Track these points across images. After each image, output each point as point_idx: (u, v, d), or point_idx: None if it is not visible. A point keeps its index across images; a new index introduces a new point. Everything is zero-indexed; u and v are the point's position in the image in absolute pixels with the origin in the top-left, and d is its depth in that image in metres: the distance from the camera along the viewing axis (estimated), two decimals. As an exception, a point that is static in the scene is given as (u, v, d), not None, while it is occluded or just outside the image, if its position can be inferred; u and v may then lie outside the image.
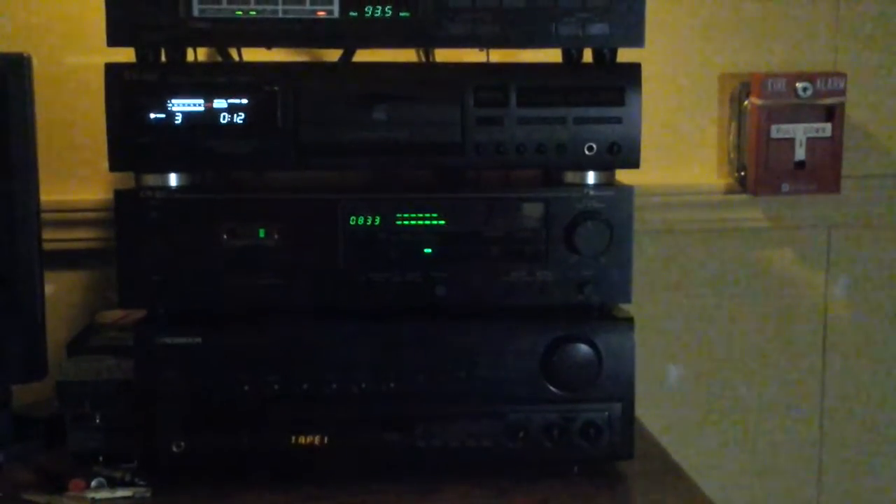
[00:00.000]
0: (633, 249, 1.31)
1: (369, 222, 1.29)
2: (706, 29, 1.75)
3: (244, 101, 1.26)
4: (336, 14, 1.25)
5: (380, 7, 1.25)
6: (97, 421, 1.36)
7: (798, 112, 1.70)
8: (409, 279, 1.30)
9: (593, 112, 1.29)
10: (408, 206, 1.29)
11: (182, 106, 1.26)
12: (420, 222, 1.30)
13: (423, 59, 1.49)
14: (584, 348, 1.30)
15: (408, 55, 1.47)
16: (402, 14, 1.25)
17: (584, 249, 1.30)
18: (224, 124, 1.26)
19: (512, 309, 1.32)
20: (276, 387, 1.28)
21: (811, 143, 1.71)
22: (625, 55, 1.31)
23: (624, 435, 1.32)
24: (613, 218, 1.30)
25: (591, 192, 1.30)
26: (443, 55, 1.45)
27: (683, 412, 1.84)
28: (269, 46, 1.31)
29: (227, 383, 1.28)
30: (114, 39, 1.25)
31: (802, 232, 1.82)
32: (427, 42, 1.34)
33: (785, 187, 1.72)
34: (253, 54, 1.37)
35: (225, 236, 1.28)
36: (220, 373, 1.28)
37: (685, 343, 1.83)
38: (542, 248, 1.30)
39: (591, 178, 1.32)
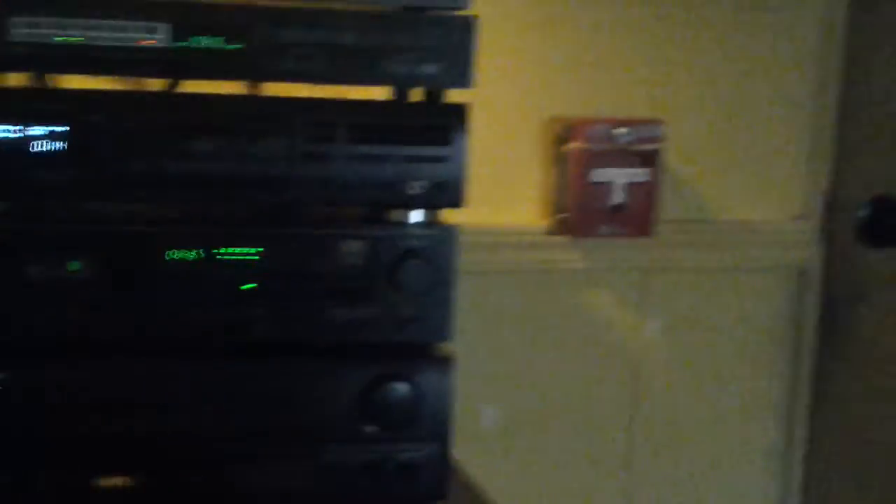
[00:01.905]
0: (455, 289, 1.32)
1: (188, 256, 1.26)
2: (534, 73, 1.78)
3: (63, 129, 1.22)
4: (163, 43, 1.22)
5: (209, 37, 1.23)
6: None
7: (617, 157, 1.75)
8: (227, 316, 1.27)
9: (420, 151, 1.29)
10: (229, 240, 1.27)
11: (9, 136, 1.20)
12: (241, 257, 1.27)
13: (253, 91, 1.47)
14: (402, 387, 1.30)
15: (236, 87, 1.45)
16: (232, 46, 1.23)
17: (407, 288, 1.30)
18: (41, 152, 1.21)
19: (333, 347, 1.31)
20: (81, 427, 1.24)
21: (629, 187, 1.76)
22: (454, 95, 1.32)
23: (440, 475, 1.32)
24: (437, 257, 1.30)
25: (416, 231, 1.31)
26: (272, 88, 1.43)
27: (498, 453, 1.86)
28: (90, 74, 1.27)
29: (33, 421, 1.23)
30: None
31: (618, 274, 1.86)
32: (257, 75, 1.32)
33: (602, 230, 1.76)
34: (75, 81, 1.32)
35: (33, 268, 1.22)
36: (27, 410, 1.23)
37: (502, 383, 1.85)
38: (364, 286, 1.30)
39: (415, 216, 1.33)
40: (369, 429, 1.30)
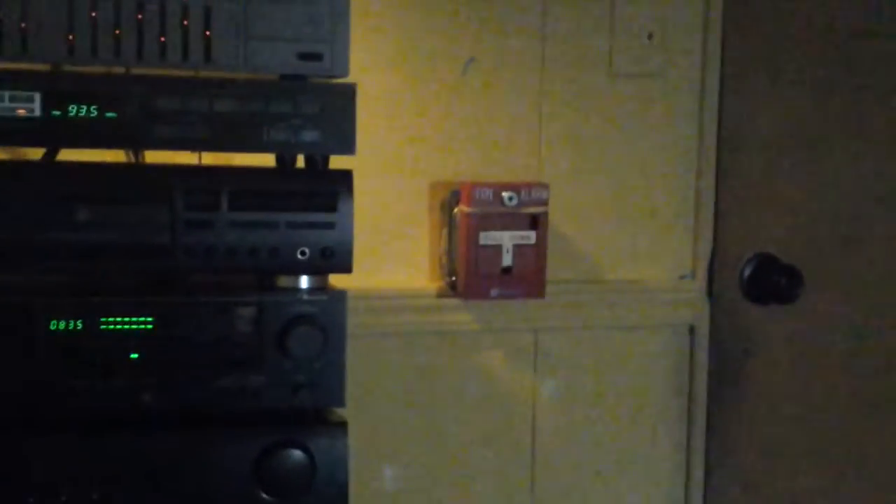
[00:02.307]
0: (346, 353, 1.32)
1: (71, 326, 1.24)
2: (416, 138, 1.80)
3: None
4: (37, 112, 1.21)
5: (84, 106, 1.22)
6: None
7: (505, 220, 1.77)
8: (114, 386, 1.25)
9: (306, 217, 1.29)
10: (113, 309, 1.25)
11: None
12: (126, 326, 1.25)
13: (132, 159, 1.46)
14: (297, 454, 1.28)
15: (116, 155, 1.43)
16: (107, 114, 1.23)
17: (298, 354, 1.29)
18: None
19: (224, 415, 1.29)
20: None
21: (518, 249, 1.78)
22: (337, 161, 1.32)
23: (339, 542, 1.31)
24: (327, 322, 1.30)
25: (305, 297, 1.30)
26: (153, 156, 1.42)
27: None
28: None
29: None
30: None
31: (511, 335, 1.87)
32: (134, 144, 1.31)
33: (494, 292, 1.77)
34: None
35: None
36: None
37: (401, 445, 1.84)
38: (255, 353, 1.29)
39: (304, 282, 1.32)
40: (265, 498, 1.28)
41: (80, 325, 1.24)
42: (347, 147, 1.30)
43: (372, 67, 1.74)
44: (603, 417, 1.95)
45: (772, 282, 2.02)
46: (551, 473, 1.92)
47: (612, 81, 1.90)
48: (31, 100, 1.21)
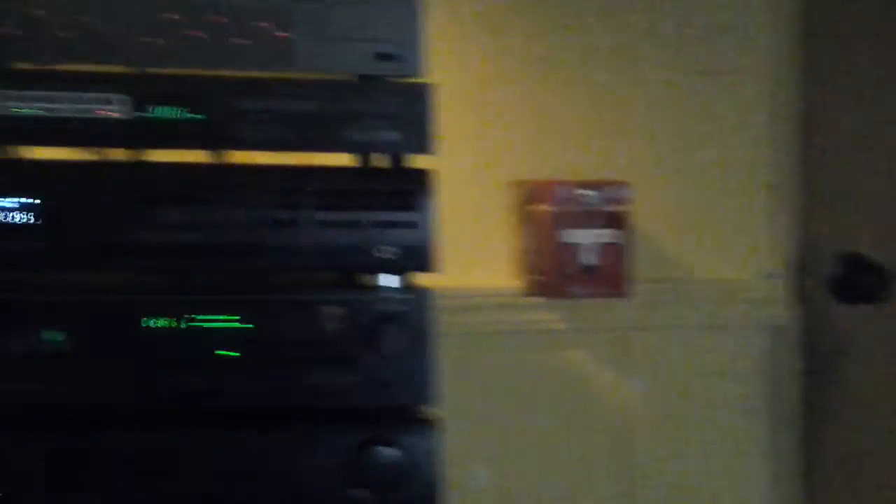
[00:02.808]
0: (435, 351, 1.32)
1: (164, 325, 1.25)
2: (497, 137, 1.81)
3: (32, 200, 1.22)
4: (125, 115, 1.23)
5: (171, 108, 1.24)
6: None
7: (586, 218, 1.76)
8: (207, 383, 1.26)
9: (388, 216, 1.30)
10: (205, 308, 1.26)
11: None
12: (218, 324, 1.27)
13: (216, 159, 1.47)
14: (389, 451, 1.28)
15: (199, 155, 1.45)
16: (194, 116, 1.25)
17: (387, 352, 1.29)
18: (12, 224, 1.21)
19: (316, 412, 1.30)
20: (59, 494, 1.22)
21: (601, 248, 1.77)
22: (419, 161, 1.33)
23: (432, 539, 1.30)
24: (415, 320, 1.30)
25: (391, 295, 1.31)
26: (236, 155, 1.44)
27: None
28: (50, 146, 1.28)
29: (11, 490, 1.21)
30: None
31: (596, 334, 1.87)
32: (220, 144, 1.33)
33: (576, 291, 1.76)
34: (39, 152, 1.33)
35: (9, 340, 1.22)
36: (5, 481, 1.20)
37: (489, 443, 1.84)
38: (344, 351, 1.29)
39: (391, 281, 1.32)
40: (357, 494, 1.28)
41: (172, 323, 1.26)
42: (427, 146, 1.31)
43: (452, 67, 1.75)
44: (690, 417, 1.93)
45: (861, 281, 1.98)
46: (644, 471, 1.90)
47: (692, 78, 1.89)
48: (120, 102, 1.24)
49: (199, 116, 1.25)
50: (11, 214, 1.22)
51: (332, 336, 1.29)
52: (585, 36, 1.84)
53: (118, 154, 1.44)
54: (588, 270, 1.77)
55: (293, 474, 1.27)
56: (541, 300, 1.79)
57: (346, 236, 1.29)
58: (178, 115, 1.25)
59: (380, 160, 1.36)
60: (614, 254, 1.78)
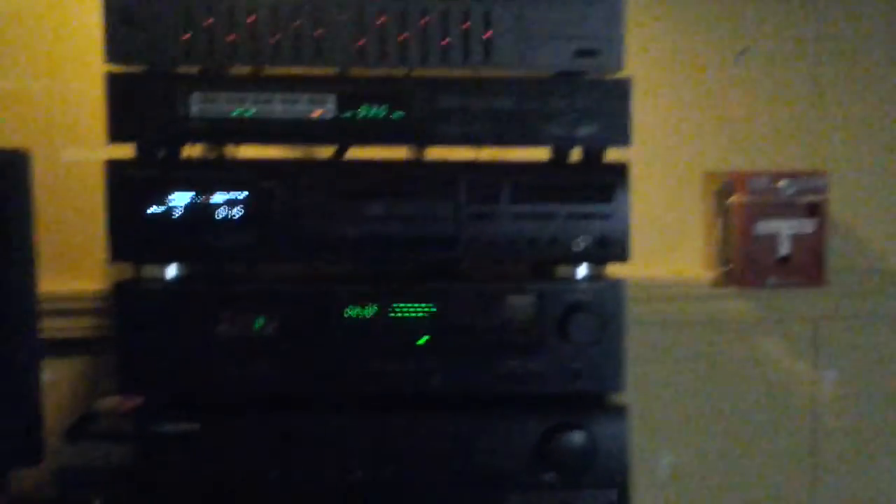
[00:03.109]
0: (625, 339, 1.34)
1: (364, 313, 1.31)
2: (690, 128, 1.80)
3: (241, 195, 1.30)
4: (331, 114, 1.30)
5: (374, 107, 1.30)
6: (94, 504, 1.37)
7: (781, 209, 1.74)
8: (404, 370, 1.32)
9: (583, 209, 1.33)
10: (403, 297, 1.32)
11: (181, 200, 1.29)
12: (415, 313, 1.32)
13: (415, 155, 1.53)
14: (578, 436, 1.32)
15: (398, 151, 1.51)
16: (395, 114, 1.30)
17: (577, 340, 1.32)
18: (222, 218, 1.30)
19: (506, 398, 1.34)
20: (271, 474, 1.30)
21: (795, 238, 1.75)
22: (612, 153, 1.35)
23: (619, 523, 1.34)
24: (605, 309, 1.33)
25: (583, 285, 1.34)
26: (433, 151, 1.49)
27: (675, 502, 1.85)
28: (263, 144, 1.35)
29: (224, 471, 1.29)
30: (115, 136, 1.28)
31: (789, 325, 1.84)
32: (421, 141, 1.38)
33: (770, 281, 1.75)
34: (250, 150, 1.41)
35: (221, 326, 1.30)
36: (217, 460, 1.29)
37: (676, 432, 1.85)
38: (535, 339, 1.33)
39: (582, 271, 1.35)
40: (548, 477, 1.32)
41: (372, 312, 1.32)
42: (623, 139, 1.33)
43: (646, 60, 1.75)
44: (884, 411, 1.88)
45: None
46: (831, 464, 1.88)
47: (890, 65, 1.83)
48: (326, 102, 1.30)
49: (399, 114, 1.30)
50: (226, 210, 1.30)
51: (524, 324, 1.33)
52: (780, 27, 1.80)
53: (322, 151, 1.50)
54: (782, 260, 1.75)
55: (485, 458, 1.32)
56: (733, 290, 1.78)
57: (541, 228, 1.32)
58: (381, 114, 1.30)
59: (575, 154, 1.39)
60: (809, 243, 1.75)
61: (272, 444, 1.30)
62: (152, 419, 1.30)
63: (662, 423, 1.84)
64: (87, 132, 1.66)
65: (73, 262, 1.68)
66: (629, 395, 1.36)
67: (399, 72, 1.31)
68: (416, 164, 1.44)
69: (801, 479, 1.88)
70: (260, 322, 1.30)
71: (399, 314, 1.32)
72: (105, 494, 1.35)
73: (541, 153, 1.40)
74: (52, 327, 1.56)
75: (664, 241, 1.81)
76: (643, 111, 1.55)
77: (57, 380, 1.66)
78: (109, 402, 1.54)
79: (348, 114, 1.30)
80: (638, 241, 1.36)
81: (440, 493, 1.32)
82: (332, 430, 1.31)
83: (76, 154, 1.68)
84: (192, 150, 1.40)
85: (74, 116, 1.67)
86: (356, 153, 1.43)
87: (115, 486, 1.35)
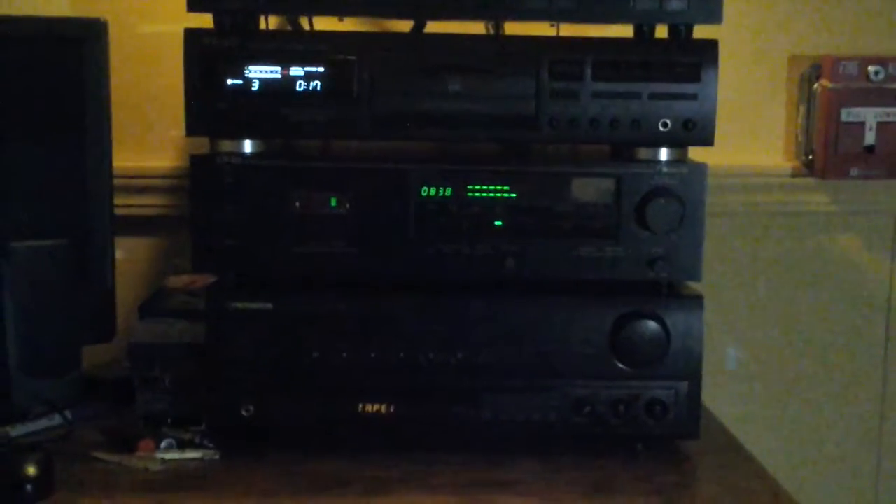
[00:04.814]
0: (704, 228, 1.31)
1: (440, 193, 1.29)
2: (777, 9, 1.74)
3: (320, 69, 1.26)
4: (410, -13, 1.26)
5: (455, -21, 1.25)
6: (166, 383, 1.37)
7: (869, 96, 1.68)
8: (478, 252, 1.29)
9: (669, 88, 1.28)
10: (479, 178, 1.29)
11: (259, 73, 1.26)
12: (491, 195, 1.29)
13: (493, 31, 1.48)
14: (652, 325, 1.30)
15: (475, 27, 1.46)
16: (476, -14, 1.25)
17: (656, 226, 1.29)
18: (300, 92, 1.26)
19: (581, 284, 1.32)
20: (343, 355, 1.29)
21: (882, 127, 1.69)
22: (698, 32, 1.30)
23: (690, 414, 1.31)
24: (686, 195, 1.29)
25: (665, 169, 1.30)
26: (510, 29, 1.44)
27: (742, 395, 1.83)
28: (340, 16, 1.32)
29: (296, 350, 1.29)
30: (192, 5, 1.25)
31: (869, 217, 1.80)
32: (501, 15, 1.33)
33: (854, 171, 1.70)
34: (323, 24, 1.37)
35: (297, 204, 1.28)
36: (289, 339, 1.29)
37: (746, 325, 1.82)
38: (612, 224, 1.30)
39: (663, 154, 1.31)
40: (619, 365, 1.31)
41: (448, 193, 1.29)
42: (714, 15, 1.27)
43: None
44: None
45: None
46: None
47: None
48: None
49: None
50: (298, 83, 1.26)
51: (602, 209, 1.30)
52: None
53: (396, 25, 1.46)
54: (867, 150, 1.70)
55: (559, 342, 1.30)
56: (813, 181, 1.74)
57: (625, 108, 1.28)
58: None
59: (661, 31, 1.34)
60: (896, 133, 1.70)
61: (344, 324, 1.29)
62: (225, 297, 1.29)
63: (732, 315, 1.81)
64: (163, 3, 1.63)
65: (148, 137, 1.67)
66: (700, 286, 1.34)
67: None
68: (498, 40, 1.40)
69: (872, 375, 1.86)
70: (334, 200, 1.28)
71: (475, 195, 1.29)
72: (175, 371, 1.36)
73: (620, 30, 1.35)
74: (125, 204, 1.56)
75: (744, 127, 1.75)
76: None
77: (130, 257, 1.66)
78: (181, 279, 1.54)
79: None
80: (722, 127, 1.31)
81: (509, 378, 1.30)
82: (404, 312, 1.30)
83: (153, 26, 1.65)
84: (268, 23, 1.36)
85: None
86: (435, 28, 1.39)
87: (185, 363, 1.35)
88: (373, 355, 1.29)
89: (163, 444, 1.30)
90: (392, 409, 1.30)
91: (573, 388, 1.30)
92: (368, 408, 1.30)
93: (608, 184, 1.30)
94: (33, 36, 1.39)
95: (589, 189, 1.30)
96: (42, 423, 1.38)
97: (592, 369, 1.31)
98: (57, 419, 1.38)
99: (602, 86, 1.27)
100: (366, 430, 1.31)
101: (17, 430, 1.37)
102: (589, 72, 1.27)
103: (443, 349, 1.30)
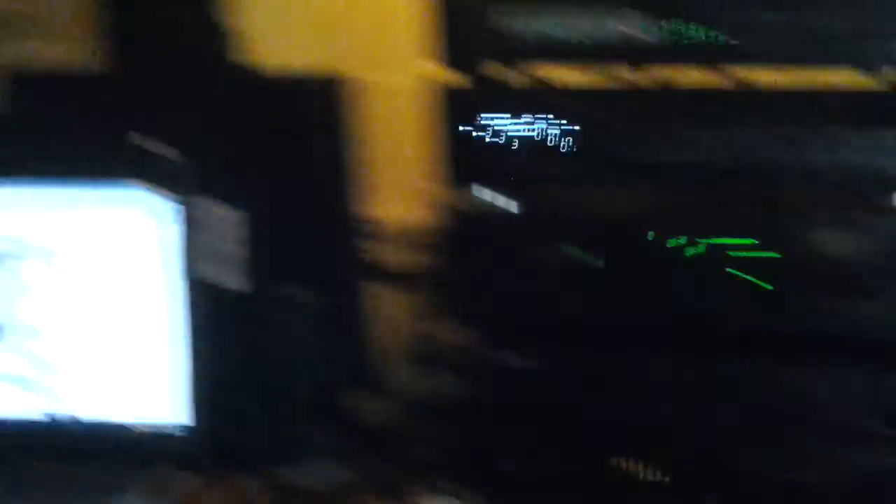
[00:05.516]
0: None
1: (698, 250, 1.27)
2: None
3: (571, 123, 1.27)
4: (635, 32, 1.25)
5: (681, 23, 1.24)
6: (431, 434, 1.40)
7: None
8: (724, 308, 1.27)
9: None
10: (724, 230, 1.27)
11: (507, 126, 1.28)
12: (738, 251, 1.27)
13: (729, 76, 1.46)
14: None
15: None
16: (707, 32, 1.24)
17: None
18: (540, 141, 1.28)
19: (829, 342, 1.26)
20: (597, 411, 1.30)
21: None
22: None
23: None
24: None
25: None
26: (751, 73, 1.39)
27: None
28: (563, 63, 1.31)
29: (558, 405, 1.31)
30: (438, 57, 1.27)
31: None
32: (735, 61, 1.28)
33: None
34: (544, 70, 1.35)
35: (552, 257, 1.29)
36: (552, 394, 1.31)
37: None
38: (862, 279, 1.24)
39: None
40: (880, 429, 1.25)
41: (698, 248, 1.26)
42: None
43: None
44: None
45: None
46: None
47: None
48: (630, 17, 1.25)
49: (711, 34, 1.24)
50: (543, 133, 1.28)
51: (851, 263, 1.24)
52: None
53: (626, 71, 1.46)
54: None
55: (812, 406, 1.26)
56: None
57: (870, 157, 1.23)
58: (701, 36, 1.24)
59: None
60: None
61: (603, 379, 1.30)
62: (488, 350, 1.31)
63: None
64: (393, 51, 1.66)
65: (397, 188, 1.69)
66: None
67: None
68: (737, 89, 1.39)
69: None
70: (588, 253, 1.29)
71: (721, 248, 1.26)
72: (439, 422, 1.38)
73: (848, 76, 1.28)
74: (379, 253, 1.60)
75: None
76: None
77: (384, 305, 1.66)
78: (439, 331, 1.53)
79: (655, 31, 1.24)
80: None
81: (759, 442, 1.27)
82: (659, 369, 1.29)
83: (387, 76, 1.68)
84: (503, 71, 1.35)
85: (391, 37, 1.67)
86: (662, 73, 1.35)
87: (450, 415, 1.36)
88: (624, 413, 1.30)
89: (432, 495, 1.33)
90: (645, 470, 1.30)
91: (831, 454, 1.26)
92: (620, 466, 1.30)
93: (864, 237, 1.23)
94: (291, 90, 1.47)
95: (837, 242, 1.24)
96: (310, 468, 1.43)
97: (852, 433, 1.25)
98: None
99: (848, 135, 1.23)
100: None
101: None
102: (833, 121, 1.23)
103: (701, 411, 1.28)
